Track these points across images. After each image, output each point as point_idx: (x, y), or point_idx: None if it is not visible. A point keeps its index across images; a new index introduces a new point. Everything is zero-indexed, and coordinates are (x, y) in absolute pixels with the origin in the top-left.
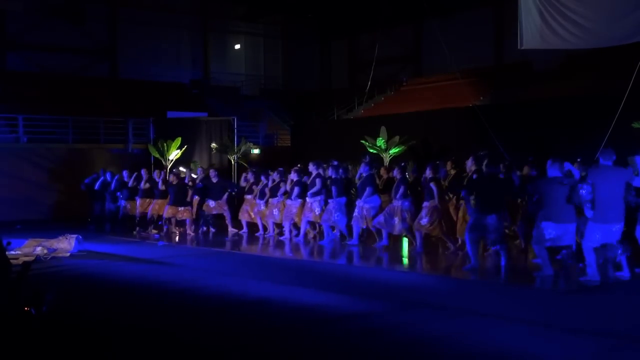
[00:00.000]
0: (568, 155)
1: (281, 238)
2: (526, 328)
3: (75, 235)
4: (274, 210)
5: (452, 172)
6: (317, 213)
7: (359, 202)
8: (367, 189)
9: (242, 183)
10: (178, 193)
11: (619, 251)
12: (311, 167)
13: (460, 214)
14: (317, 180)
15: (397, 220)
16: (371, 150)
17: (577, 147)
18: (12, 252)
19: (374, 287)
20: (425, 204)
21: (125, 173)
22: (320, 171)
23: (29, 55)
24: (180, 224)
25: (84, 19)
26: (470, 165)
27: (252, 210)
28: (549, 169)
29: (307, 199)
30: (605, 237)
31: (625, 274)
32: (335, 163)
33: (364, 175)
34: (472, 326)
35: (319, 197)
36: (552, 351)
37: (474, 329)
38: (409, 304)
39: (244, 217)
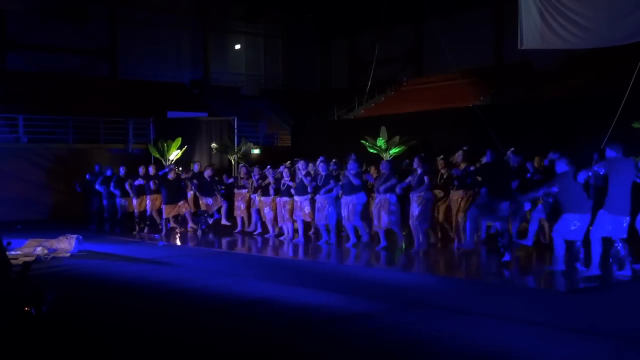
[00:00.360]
0: (568, 155)
1: (281, 238)
2: (526, 328)
3: (75, 235)
4: (265, 209)
5: (443, 170)
6: (306, 212)
7: (344, 199)
8: (355, 184)
9: (226, 180)
10: (172, 189)
11: (623, 253)
12: (300, 165)
13: (459, 205)
14: (306, 180)
15: (384, 213)
16: (371, 150)
17: (577, 147)
18: (12, 252)
19: (374, 287)
20: (413, 194)
21: (122, 169)
22: (311, 169)
23: (29, 55)
24: (181, 222)
25: (84, 19)
26: (460, 159)
27: (252, 204)
28: (557, 162)
29: (296, 198)
30: (615, 229)
31: (627, 272)
32: (323, 158)
33: (352, 172)
34: (472, 326)
35: (308, 196)
36: (552, 351)
37: (474, 329)
38: (409, 304)
39: (239, 215)
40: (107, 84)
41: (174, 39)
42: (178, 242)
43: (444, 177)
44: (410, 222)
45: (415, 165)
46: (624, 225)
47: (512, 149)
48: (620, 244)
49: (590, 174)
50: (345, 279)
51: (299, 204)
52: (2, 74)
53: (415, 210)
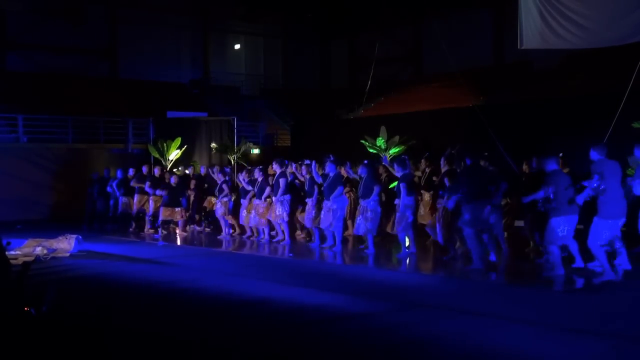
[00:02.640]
0: (568, 155)
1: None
2: (526, 328)
3: (75, 235)
4: (243, 212)
5: (427, 170)
6: (277, 213)
7: (326, 204)
8: (339, 188)
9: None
10: (172, 194)
11: (619, 244)
12: (275, 167)
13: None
14: (281, 180)
15: (361, 219)
16: (371, 150)
17: (577, 147)
18: (12, 252)
19: (374, 287)
20: (395, 200)
21: (131, 171)
22: (286, 170)
23: (29, 55)
24: (176, 223)
25: (84, 19)
26: (442, 165)
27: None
28: (546, 161)
29: (272, 199)
30: (612, 234)
31: (624, 263)
32: (308, 162)
33: (331, 174)
34: (472, 326)
35: (281, 198)
36: (552, 351)
37: (474, 329)
38: (409, 304)
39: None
40: (107, 84)
41: (174, 39)
42: (178, 242)
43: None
44: (396, 229)
45: (396, 171)
46: (619, 226)
47: (486, 154)
48: (617, 242)
49: (590, 193)
50: (345, 279)
51: (273, 205)
52: (1, 73)
53: (397, 216)
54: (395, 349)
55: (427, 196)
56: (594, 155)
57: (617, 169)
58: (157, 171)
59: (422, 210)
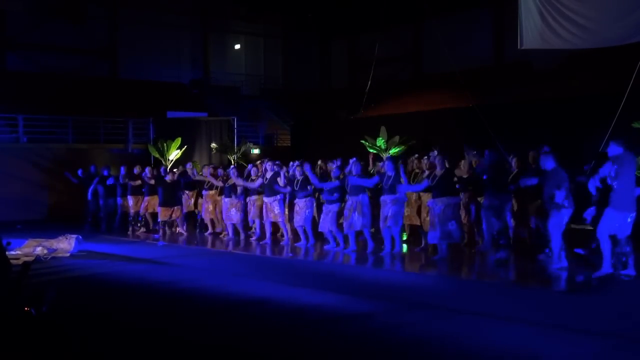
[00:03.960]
0: (568, 155)
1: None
2: (526, 328)
3: (75, 235)
4: (232, 210)
5: (417, 170)
6: (276, 212)
7: (325, 207)
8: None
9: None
10: (168, 192)
11: (628, 249)
12: (267, 165)
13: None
14: (280, 179)
15: (355, 214)
16: (371, 150)
17: (577, 147)
18: (12, 252)
19: (374, 287)
20: (386, 197)
21: (122, 169)
22: (282, 170)
23: (29, 55)
24: (173, 223)
25: (84, 19)
26: (438, 165)
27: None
28: (544, 158)
29: (266, 199)
30: (621, 227)
31: (630, 272)
32: (298, 163)
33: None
34: (472, 326)
35: (278, 197)
36: (552, 351)
37: (474, 329)
38: (409, 304)
39: (207, 216)
40: (107, 84)
41: (174, 39)
42: (178, 242)
43: (417, 176)
44: (381, 224)
45: (386, 168)
46: (629, 220)
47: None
48: (624, 242)
49: (597, 183)
50: (345, 279)
51: (269, 204)
52: (2, 74)
53: (388, 211)
54: (395, 349)
55: (414, 196)
56: (614, 150)
57: (631, 161)
58: (147, 171)
59: (409, 211)
